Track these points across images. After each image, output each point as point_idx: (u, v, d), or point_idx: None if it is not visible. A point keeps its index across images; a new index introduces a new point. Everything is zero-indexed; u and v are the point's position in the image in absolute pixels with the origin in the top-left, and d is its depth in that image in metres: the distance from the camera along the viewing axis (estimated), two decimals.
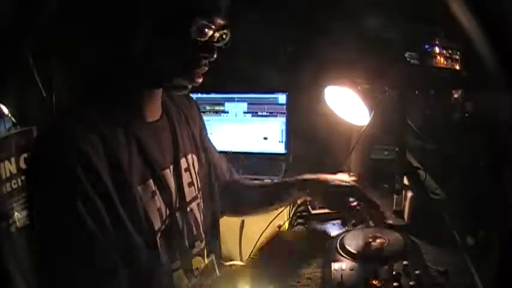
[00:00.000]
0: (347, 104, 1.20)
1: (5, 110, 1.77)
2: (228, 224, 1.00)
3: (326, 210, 1.24)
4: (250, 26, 1.73)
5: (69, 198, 0.63)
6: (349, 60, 1.31)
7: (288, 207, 1.40)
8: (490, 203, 0.92)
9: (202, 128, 1.04)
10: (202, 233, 0.90)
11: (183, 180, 0.85)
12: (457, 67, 1.33)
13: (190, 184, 0.88)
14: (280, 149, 1.88)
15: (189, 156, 0.91)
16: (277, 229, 1.30)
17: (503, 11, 0.29)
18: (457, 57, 1.33)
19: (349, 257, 0.96)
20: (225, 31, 0.77)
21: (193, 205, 0.88)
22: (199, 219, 0.89)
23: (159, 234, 0.76)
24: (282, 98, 1.86)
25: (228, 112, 1.92)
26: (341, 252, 0.98)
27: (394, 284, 0.85)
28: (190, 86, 0.78)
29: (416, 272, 0.88)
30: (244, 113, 1.90)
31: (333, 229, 1.18)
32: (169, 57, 0.72)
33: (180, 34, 0.70)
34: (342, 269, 0.91)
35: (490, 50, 0.30)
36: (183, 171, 0.86)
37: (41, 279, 0.63)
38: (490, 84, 0.31)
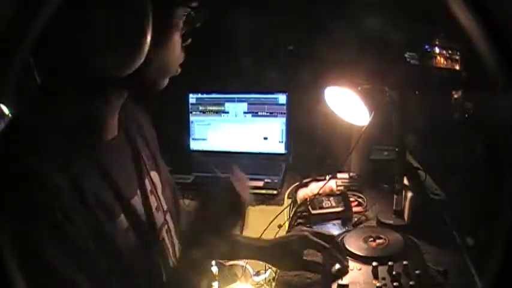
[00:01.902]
0: (347, 104, 1.21)
1: (5, 110, 1.77)
2: None
3: (326, 210, 1.24)
4: (251, 26, 1.73)
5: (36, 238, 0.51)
6: (349, 60, 1.31)
7: (288, 208, 1.41)
8: (490, 203, 0.92)
9: (155, 140, 0.90)
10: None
11: (151, 206, 0.74)
12: (457, 67, 1.33)
13: (158, 208, 0.77)
14: (280, 149, 1.88)
15: (152, 175, 0.79)
16: (278, 229, 1.30)
17: (503, 10, 0.29)
18: (457, 57, 1.33)
19: (349, 257, 0.96)
20: (201, 11, 0.67)
21: (163, 233, 0.77)
22: (170, 248, 0.79)
23: (135, 273, 0.66)
24: (282, 98, 1.86)
25: (228, 112, 1.91)
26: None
27: (394, 284, 0.85)
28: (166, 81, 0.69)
29: (416, 272, 0.88)
30: (245, 113, 1.90)
31: (333, 229, 1.18)
32: (163, 49, 0.63)
33: (166, 22, 0.62)
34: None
35: (490, 50, 0.30)
36: (149, 194, 0.75)
37: None
38: (490, 84, 0.31)
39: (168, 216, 0.81)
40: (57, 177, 0.55)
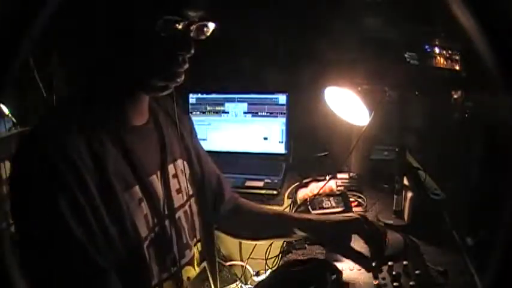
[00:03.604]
0: (347, 105, 1.21)
1: (5, 110, 1.78)
2: None
3: (326, 210, 1.24)
4: (251, 26, 1.73)
5: (54, 203, 0.60)
6: (349, 60, 1.31)
7: (288, 208, 1.41)
8: (490, 203, 0.92)
9: (192, 131, 1.00)
10: (191, 242, 0.86)
11: (171, 187, 0.82)
12: (457, 67, 1.33)
13: (178, 191, 0.84)
14: (281, 149, 1.88)
15: (179, 162, 0.87)
16: None
17: (503, 10, 0.29)
18: (457, 57, 1.33)
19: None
20: (202, 23, 0.72)
21: (181, 213, 0.84)
22: (186, 228, 0.85)
23: (146, 243, 0.73)
24: (282, 98, 1.86)
25: (228, 112, 1.91)
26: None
27: (394, 284, 0.85)
28: (172, 86, 0.74)
29: (416, 272, 0.88)
30: (245, 113, 1.90)
31: None
32: (141, 58, 0.69)
33: (145, 32, 0.67)
34: (343, 269, 0.91)
35: (489, 50, 0.30)
36: (171, 177, 0.82)
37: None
38: (490, 84, 0.31)
39: (192, 200, 0.88)
40: (82, 152, 0.64)
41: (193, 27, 0.70)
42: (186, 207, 0.86)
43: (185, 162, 0.89)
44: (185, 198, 0.86)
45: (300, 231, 0.94)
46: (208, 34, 0.75)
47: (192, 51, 0.72)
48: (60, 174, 0.61)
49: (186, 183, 0.87)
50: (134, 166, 0.73)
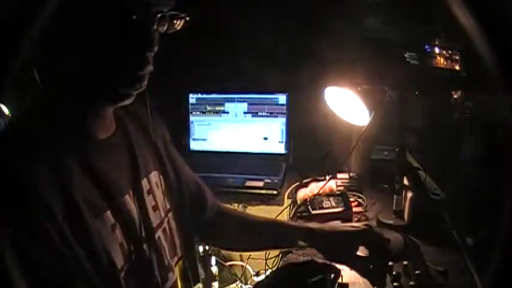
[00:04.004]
0: (347, 105, 1.21)
1: (5, 110, 1.77)
2: None
3: (326, 211, 1.24)
4: (250, 26, 1.73)
5: (17, 237, 0.50)
6: (349, 60, 1.31)
7: (288, 208, 1.41)
8: (490, 203, 0.92)
9: (166, 137, 0.90)
10: (173, 262, 0.79)
11: (147, 204, 0.73)
12: (457, 67, 1.33)
13: (155, 208, 0.76)
14: (281, 149, 1.88)
15: (152, 175, 0.78)
16: None
17: (503, 10, 0.29)
18: (457, 57, 1.33)
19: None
20: (170, 13, 0.62)
21: (159, 232, 0.76)
22: (167, 247, 0.78)
23: (123, 274, 0.64)
24: (282, 98, 1.86)
25: (228, 112, 1.91)
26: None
27: (394, 284, 0.85)
28: (134, 94, 0.64)
29: (416, 272, 0.88)
30: (245, 113, 1.90)
31: None
32: (98, 59, 0.59)
33: (101, 28, 0.57)
34: (343, 269, 0.91)
35: (490, 50, 0.30)
36: (145, 194, 0.74)
37: None
38: (490, 84, 0.31)
39: (170, 215, 0.80)
40: (45, 179, 0.56)
41: (157, 18, 0.60)
42: (165, 224, 0.78)
43: (160, 174, 0.80)
44: (163, 214, 0.78)
45: (303, 242, 0.91)
46: (178, 27, 0.65)
47: (156, 49, 0.61)
48: (22, 205, 0.53)
49: (163, 197, 0.79)
50: (103, 188, 0.64)
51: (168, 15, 0.62)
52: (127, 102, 0.65)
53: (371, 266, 0.83)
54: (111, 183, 0.66)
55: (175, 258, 0.81)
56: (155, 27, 0.60)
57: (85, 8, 0.56)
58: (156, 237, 0.74)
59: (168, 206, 0.80)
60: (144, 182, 0.75)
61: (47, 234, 0.54)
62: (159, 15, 0.60)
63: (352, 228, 0.89)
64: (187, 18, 0.65)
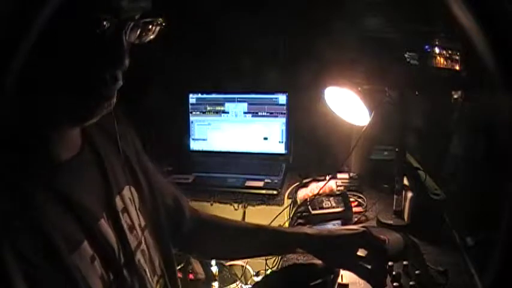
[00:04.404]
0: (347, 105, 1.21)
1: None
2: None
3: (326, 211, 1.24)
4: (250, 26, 1.73)
5: None
6: (349, 60, 1.31)
7: (288, 208, 1.41)
8: (490, 203, 0.92)
9: (137, 145, 0.80)
10: (154, 283, 0.73)
11: (124, 226, 0.66)
12: (457, 67, 1.33)
13: (132, 228, 0.69)
14: (281, 149, 1.88)
15: (125, 191, 0.70)
16: None
17: (503, 10, 0.29)
18: (457, 57, 1.33)
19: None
20: (144, 20, 0.53)
21: (139, 254, 0.70)
22: (147, 269, 0.71)
23: None
24: (282, 98, 1.86)
25: (228, 112, 1.91)
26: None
27: (394, 284, 0.85)
28: (99, 114, 0.55)
29: (416, 272, 0.88)
30: (245, 113, 1.90)
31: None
32: (57, 75, 0.50)
33: (62, 37, 0.47)
34: (343, 269, 0.91)
35: (490, 50, 0.30)
36: (120, 213, 0.66)
37: None
38: (490, 84, 0.31)
39: (146, 232, 0.74)
40: (13, 214, 0.48)
41: (128, 27, 0.51)
42: (143, 244, 0.72)
43: (132, 188, 0.72)
44: (140, 233, 0.71)
45: (300, 248, 0.88)
46: (152, 36, 0.56)
47: (127, 64, 0.52)
48: None
49: (137, 214, 0.72)
50: (76, 215, 0.56)
51: (141, 23, 0.53)
52: (89, 122, 0.57)
53: (369, 267, 0.82)
54: (84, 208, 0.58)
55: (156, 278, 0.75)
56: (126, 37, 0.51)
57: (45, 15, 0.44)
58: (136, 260, 0.68)
59: (143, 223, 0.73)
60: (118, 200, 0.68)
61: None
62: (130, 23, 0.51)
63: (349, 232, 0.86)
64: (163, 24, 0.56)
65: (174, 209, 0.86)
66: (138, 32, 0.54)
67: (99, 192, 0.64)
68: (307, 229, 0.91)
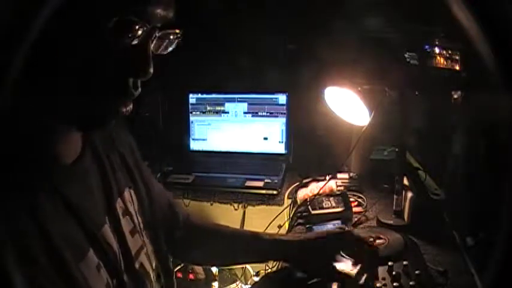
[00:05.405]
0: (347, 105, 1.21)
1: None
2: (228, 223, 0.99)
3: (326, 211, 1.24)
4: (250, 26, 1.73)
5: None
6: (349, 60, 1.31)
7: (288, 208, 1.41)
8: (490, 203, 0.92)
9: (133, 145, 0.80)
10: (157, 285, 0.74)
11: (125, 230, 0.66)
12: (457, 67, 1.33)
13: (133, 231, 0.69)
14: (281, 149, 1.88)
15: (125, 193, 0.70)
16: (278, 229, 1.30)
17: (503, 10, 0.29)
18: (457, 57, 1.33)
19: (349, 257, 0.96)
20: (168, 32, 0.53)
21: (142, 257, 0.69)
22: (150, 272, 0.71)
23: None
24: (282, 98, 1.86)
25: (228, 112, 1.91)
26: (341, 252, 0.98)
27: (394, 284, 0.85)
28: (113, 122, 0.55)
29: (416, 272, 0.88)
30: (245, 113, 1.90)
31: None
32: (77, 83, 0.49)
33: (83, 45, 0.46)
34: (342, 269, 0.91)
35: (490, 50, 0.30)
36: (121, 217, 0.66)
37: None
38: (490, 84, 0.31)
39: (145, 236, 0.73)
40: (23, 225, 0.47)
41: (155, 35, 0.50)
42: (145, 247, 0.72)
43: (131, 190, 0.72)
44: (141, 236, 0.72)
45: (275, 256, 0.86)
46: (171, 47, 0.56)
47: (150, 73, 0.50)
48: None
49: (136, 215, 0.71)
50: (82, 222, 0.55)
51: (165, 34, 0.53)
52: (104, 128, 0.57)
53: (358, 268, 0.82)
54: (87, 214, 0.57)
55: (155, 278, 0.75)
56: (151, 46, 0.50)
57: (66, 20, 0.42)
58: (138, 264, 0.68)
59: (142, 225, 0.73)
60: (119, 203, 0.67)
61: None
62: (157, 32, 0.50)
63: (324, 234, 0.85)
64: (181, 37, 0.55)
65: (168, 214, 0.86)
66: (164, 43, 0.53)
67: (100, 196, 0.63)
68: (286, 236, 0.90)
